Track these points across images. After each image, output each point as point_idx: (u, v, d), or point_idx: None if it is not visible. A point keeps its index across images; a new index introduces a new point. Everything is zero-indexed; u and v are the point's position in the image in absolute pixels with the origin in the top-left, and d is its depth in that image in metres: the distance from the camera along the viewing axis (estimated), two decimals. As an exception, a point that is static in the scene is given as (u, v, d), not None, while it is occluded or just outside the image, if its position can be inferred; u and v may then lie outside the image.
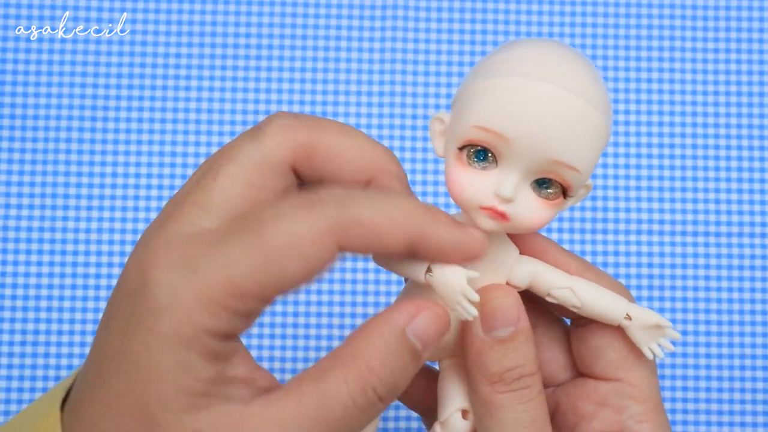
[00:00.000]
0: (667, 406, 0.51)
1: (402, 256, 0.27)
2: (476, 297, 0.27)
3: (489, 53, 0.28)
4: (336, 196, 0.25)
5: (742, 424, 0.51)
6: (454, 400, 0.30)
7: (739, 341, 0.51)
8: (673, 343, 0.31)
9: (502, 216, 0.27)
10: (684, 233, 0.52)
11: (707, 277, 0.52)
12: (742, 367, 0.51)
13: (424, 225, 0.26)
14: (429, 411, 0.34)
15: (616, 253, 0.52)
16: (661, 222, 0.52)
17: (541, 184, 0.27)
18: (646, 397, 0.31)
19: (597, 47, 0.53)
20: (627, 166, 0.52)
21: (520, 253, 0.30)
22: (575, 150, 0.26)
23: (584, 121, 0.26)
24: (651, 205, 0.52)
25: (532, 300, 0.31)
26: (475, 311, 0.27)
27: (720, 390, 0.51)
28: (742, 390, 0.51)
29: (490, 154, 0.27)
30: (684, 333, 0.52)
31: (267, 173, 0.27)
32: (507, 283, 0.30)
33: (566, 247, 0.52)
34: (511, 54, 0.27)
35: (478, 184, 0.27)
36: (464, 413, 0.30)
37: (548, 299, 0.30)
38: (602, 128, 0.27)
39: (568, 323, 0.34)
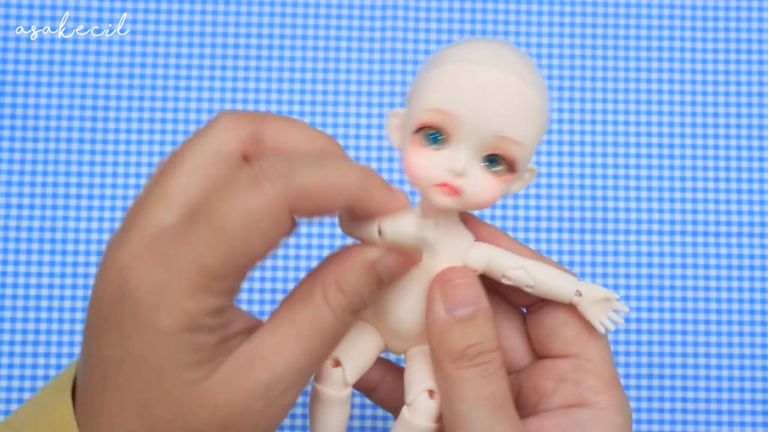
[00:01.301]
0: (667, 406, 0.51)
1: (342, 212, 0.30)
2: (431, 234, 0.30)
3: (436, 50, 0.31)
4: (279, 168, 0.27)
5: (742, 424, 0.51)
6: (420, 382, 0.31)
7: (738, 341, 0.51)
8: (621, 315, 0.32)
9: (455, 191, 0.29)
10: (684, 233, 0.52)
11: (707, 277, 0.52)
12: (742, 367, 0.51)
13: (361, 186, 0.29)
14: (400, 409, 0.35)
15: (616, 253, 0.52)
16: (661, 222, 0.52)
17: (490, 162, 0.29)
18: (601, 371, 0.32)
19: (597, 47, 0.53)
20: (627, 166, 0.53)
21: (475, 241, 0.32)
22: (517, 125, 0.29)
23: (523, 99, 0.29)
24: (651, 205, 0.52)
25: (491, 290, 0.33)
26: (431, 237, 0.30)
27: (720, 390, 0.51)
28: (742, 390, 0.51)
29: (442, 136, 0.29)
30: (684, 333, 0.52)
31: (220, 164, 0.28)
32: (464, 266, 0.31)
33: (566, 247, 0.52)
34: (456, 47, 0.30)
35: (433, 163, 0.29)
36: (430, 393, 0.31)
37: (504, 281, 0.32)
38: (540, 107, 0.29)
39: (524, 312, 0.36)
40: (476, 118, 0.28)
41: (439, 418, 0.31)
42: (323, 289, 0.29)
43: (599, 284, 0.51)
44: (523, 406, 0.34)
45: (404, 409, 0.31)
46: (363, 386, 0.36)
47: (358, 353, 0.32)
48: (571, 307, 0.32)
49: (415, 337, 0.32)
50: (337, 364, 0.31)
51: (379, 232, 0.29)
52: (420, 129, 0.29)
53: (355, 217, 0.30)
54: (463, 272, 0.31)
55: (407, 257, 0.30)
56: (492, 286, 0.33)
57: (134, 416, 0.27)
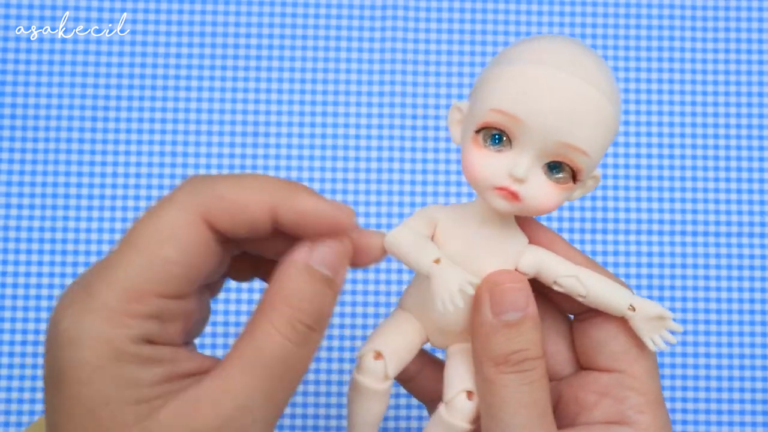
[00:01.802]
0: (667, 405, 0.51)
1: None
2: (475, 281, 0.29)
3: (509, 45, 0.30)
4: (195, 182, 0.27)
5: (742, 424, 0.51)
6: (459, 382, 0.31)
7: (739, 341, 0.51)
8: (674, 335, 0.32)
9: (514, 196, 0.28)
10: (684, 233, 0.52)
11: (707, 277, 0.52)
12: (742, 367, 0.51)
13: (283, 195, 0.27)
14: (435, 401, 0.34)
15: (616, 253, 0.52)
16: (661, 222, 0.52)
17: (552, 168, 0.28)
18: (647, 389, 0.32)
19: (597, 47, 0.53)
20: (627, 166, 0.53)
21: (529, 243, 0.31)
22: (585, 134, 0.27)
23: (594, 108, 0.27)
24: (651, 205, 0.52)
25: (540, 294, 0.32)
26: (451, 307, 0.28)
27: (720, 390, 0.51)
28: (742, 390, 0.51)
29: (504, 138, 0.28)
30: (684, 333, 0.52)
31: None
32: (517, 270, 0.31)
33: (566, 247, 0.52)
34: (528, 45, 0.29)
35: (493, 165, 0.28)
36: (469, 394, 0.31)
37: (555, 287, 0.31)
38: (612, 117, 0.28)
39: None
40: (542, 125, 0.27)
41: (476, 420, 0.31)
42: (265, 312, 0.27)
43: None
44: (562, 416, 0.33)
45: (441, 407, 0.31)
46: (400, 376, 0.35)
47: (401, 346, 0.31)
48: (620, 321, 0.31)
49: (459, 334, 0.31)
50: (379, 356, 0.31)
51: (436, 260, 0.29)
52: (482, 129, 0.28)
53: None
54: (513, 276, 0.30)
55: (341, 245, 0.28)
56: (541, 289, 0.32)
57: None
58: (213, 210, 0.27)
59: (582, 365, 0.33)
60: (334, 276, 0.28)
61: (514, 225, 0.31)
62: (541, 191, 0.28)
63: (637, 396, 0.31)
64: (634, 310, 0.31)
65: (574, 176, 0.29)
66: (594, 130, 0.28)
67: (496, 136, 0.28)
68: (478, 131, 0.28)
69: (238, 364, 0.26)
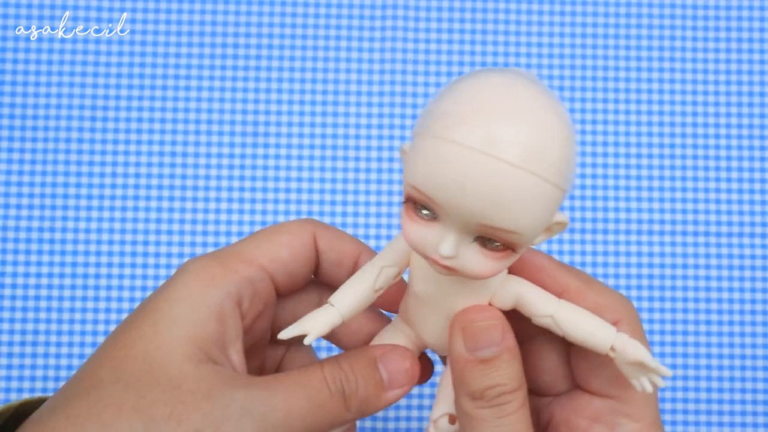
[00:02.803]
0: (668, 405, 0.51)
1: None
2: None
3: (441, 89, 0.27)
4: None
5: (743, 425, 0.51)
6: (444, 404, 0.31)
7: (739, 341, 0.51)
8: (665, 379, 0.30)
9: (450, 270, 0.27)
10: (684, 233, 0.52)
11: (707, 277, 0.52)
12: (743, 367, 0.51)
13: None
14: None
15: (616, 253, 0.52)
16: (662, 222, 0.52)
17: (488, 241, 0.26)
18: (642, 415, 0.31)
19: (597, 47, 0.53)
20: (627, 166, 0.52)
21: (513, 270, 0.30)
22: (508, 217, 0.25)
23: (517, 189, 0.24)
24: (651, 205, 0.52)
25: None
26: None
27: (720, 390, 0.51)
28: (742, 390, 0.51)
29: (431, 210, 0.26)
30: (684, 333, 0.51)
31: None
32: (489, 304, 0.30)
33: (567, 247, 0.52)
34: (452, 104, 0.25)
35: (424, 238, 0.26)
36: (451, 419, 0.31)
37: (534, 322, 0.30)
38: (542, 192, 0.25)
39: None
40: (458, 209, 0.25)
41: None
42: (321, 362, 0.30)
43: (599, 279, 0.51)
44: None
45: (430, 425, 0.31)
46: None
47: None
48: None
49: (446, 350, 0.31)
50: None
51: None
52: (409, 200, 0.26)
53: None
54: (485, 313, 0.29)
55: (409, 370, 0.31)
56: None
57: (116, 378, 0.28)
58: (323, 230, 0.33)
59: (576, 384, 0.33)
60: (387, 384, 0.30)
61: None
62: (476, 262, 0.26)
63: (630, 423, 0.31)
64: (615, 352, 0.29)
65: (511, 248, 0.26)
66: (517, 210, 0.24)
67: (426, 207, 0.26)
68: (406, 200, 0.27)
69: (278, 378, 0.29)
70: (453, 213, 0.25)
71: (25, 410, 0.30)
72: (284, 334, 0.29)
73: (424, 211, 0.26)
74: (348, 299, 0.30)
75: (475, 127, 0.24)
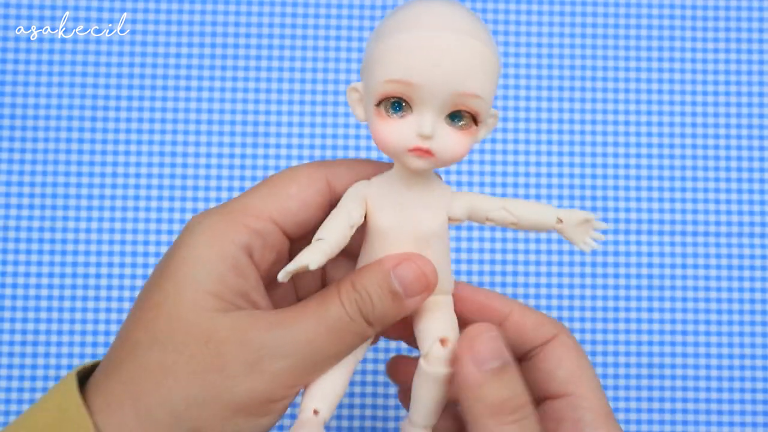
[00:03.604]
0: (667, 405, 0.51)
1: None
2: None
3: (382, 20, 0.32)
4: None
5: (743, 425, 0.51)
6: (431, 333, 0.33)
7: (739, 341, 0.51)
8: (604, 232, 0.34)
9: (428, 152, 0.30)
10: (684, 233, 0.52)
11: (707, 277, 0.52)
12: (742, 367, 0.51)
13: None
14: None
15: (616, 253, 0.52)
16: (661, 222, 0.52)
17: (453, 118, 0.31)
18: (597, 407, 0.34)
19: (597, 47, 0.53)
20: (627, 166, 0.52)
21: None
22: (474, 80, 0.30)
23: (475, 55, 0.30)
24: (651, 205, 0.52)
25: None
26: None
27: (720, 390, 0.51)
28: (742, 390, 0.51)
29: (404, 104, 0.30)
30: (684, 333, 0.51)
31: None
32: (449, 218, 0.33)
33: (566, 247, 0.52)
34: (402, 15, 0.31)
35: (401, 131, 0.30)
36: (442, 341, 0.32)
37: (487, 223, 0.33)
38: (492, 59, 0.31)
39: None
40: (435, 82, 0.29)
41: (455, 362, 0.31)
42: (337, 286, 0.31)
43: (599, 282, 0.51)
44: None
45: (421, 361, 0.32)
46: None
47: (330, 392, 0.32)
48: (562, 351, 0.34)
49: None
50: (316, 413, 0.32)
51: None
52: (382, 101, 0.30)
53: None
54: (486, 327, 0.31)
55: (424, 275, 0.31)
56: None
57: (149, 333, 0.30)
58: (337, 172, 0.33)
59: (538, 399, 0.35)
60: (404, 295, 0.31)
61: (435, 179, 0.33)
62: (449, 141, 0.31)
63: (589, 414, 0.34)
64: (561, 222, 0.33)
65: (475, 120, 0.31)
66: (480, 74, 0.30)
67: (396, 104, 0.30)
68: (378, 104, 0.30)
69: (300, 310, 0.31)
70: (431, 87, 0.29)
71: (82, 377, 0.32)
72: (283, 275, 0.29)
73: (395, 108, 0.30)
74: (333, 233, 0.31)
75: (432, 15, 0.30)
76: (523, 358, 0.36)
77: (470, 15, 0.31)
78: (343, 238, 0.31)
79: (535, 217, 0.33)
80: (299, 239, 0.33)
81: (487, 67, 0.30)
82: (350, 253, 0.33)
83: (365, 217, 0.32)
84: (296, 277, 0.35)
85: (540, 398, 0.35)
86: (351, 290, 0.31)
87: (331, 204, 0.33)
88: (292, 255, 0.34)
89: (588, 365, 0.35)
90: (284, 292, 0.36)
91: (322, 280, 0.37)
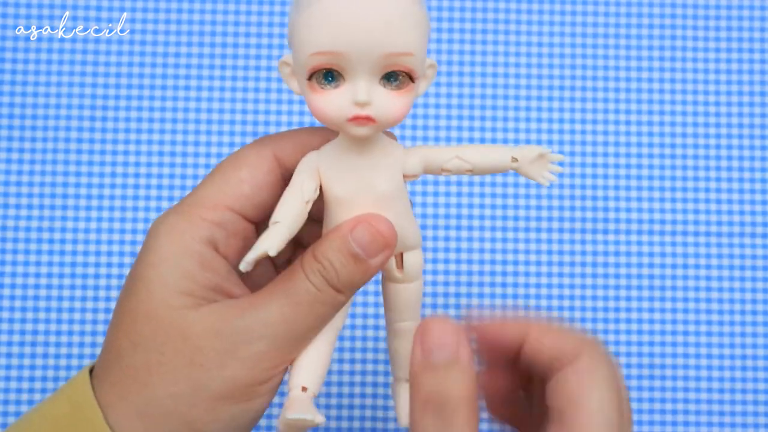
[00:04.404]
0: (668, 406, 0.51)
1: None
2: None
3: None
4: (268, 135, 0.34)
5: (743, 425, 0.51)
6: (399, 369, 0.34)
7: (739, 341, 0.51)
8: (560, 164, 0.34)
9: (368, 119, 0.30)
10: (684, 233, 0.52)
11: (708, 277, 0.52)
12: (743, 368, 0.51)
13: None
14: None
15: (617, 253, 0.52)
16: (662, 222, 0.52)
17: (389, 78, 0.30)
18: (604, 422, 0.30)
19: (597, 47, 0.53)
20: (627, 166, 0.52)
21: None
22: (402, 38, 0.29)
23: (398, 10, 0.29)
24: (651, 205, 0.52)
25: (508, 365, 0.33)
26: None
27: (720, 390, 0.51)
28: (743, 391, 0.51)
29: (335, 73, 0.30)
30: (684, 333, 0.51)
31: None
32: (405, 176, 0.32)
33: (566, 247, 0.52)
34: None
35: (337, 101, 0.30)
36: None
37: (443, 174, 0.33)
38: (415, 10, 0.30)
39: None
40: (363, 47, 0.29)
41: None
42: (301, 259, 0.31)
43: (600, 282, 0.51)
44: None
45: (398, 386, 0.34)
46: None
47: (315, 366, 0.33)
48: (570, 373, 0.31)
49: None
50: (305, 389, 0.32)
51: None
52: (313, 74, 0.30)
53: None
54: (445, 324, 0.31)
55: (380, 233, 0.31)
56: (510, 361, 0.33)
57: (128, 334, 0.31)
58: (283, 146, 0.33)
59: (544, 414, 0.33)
60: (366, 257, 0.31)
61: (385, 138, 0.33)
62: (388, 104, 0.30)
63: None
64: (517, 161, 0.32)
65: (411, 77, 0.30)
66: (408, 30, 0.29)
67: (329, 74, 0.30)
68: (309, 78, 0.30)
69: (269, 291, 0.31)
70: (358, 53, 0.29)
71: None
72: (244, 265, 0.29)
73: (328, 79, 0.30)
74: (288, 214, 0.31)
75: None
76: (546, 379, 0.32)
77: None
78: (300, 216, 0.31)
79: (489, 160, 0.33)
80: (261, 221, 0.33)
81: (413, 21, 0.29)
82: (319, 218, 0.33)
83: (321, 188, 0.32)
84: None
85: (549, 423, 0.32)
86: (313, 261, 0.31)
87: (284, 179, 0.33)
88: (258, 236, 0.34)
89: (600, 393, 0.30)
90: (263, 271, 0.36)
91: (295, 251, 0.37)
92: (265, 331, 0.30)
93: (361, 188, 0.32)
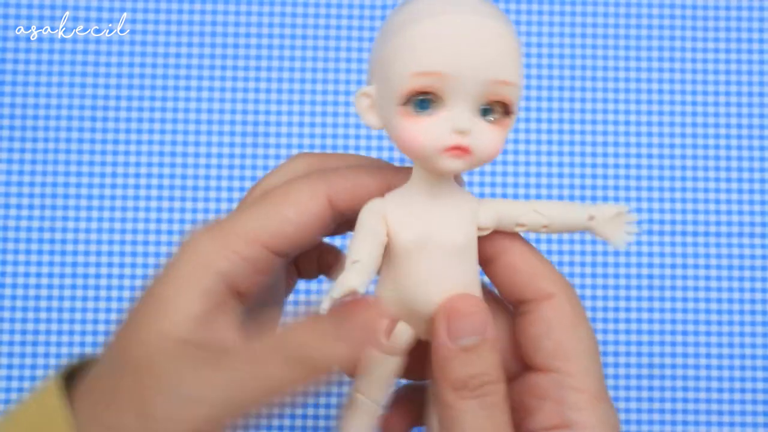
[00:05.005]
0: (668, 406, 0.51)
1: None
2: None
3: (388, 18, 0.29)
4: (323, 171, 0.31)
5: (743, 425, 0.51)
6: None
7: (739, 341, 0.51)
8: (636, 224, 0.32)
9: (465, 150, 0.28)
10: (684, 233, 0.52)
11: (707, 277, 0.52)
12: (743, 368, 0.51)
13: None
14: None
15: (617, 254, 0.52)
16: (662, 222, 0.52)
17: (485, 112, 0.28)
18: (584, 386, 0.31)
19: (597, 47, 0.53)
20: (627, 166, 0.52)
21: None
22: (507, 66, 0.28)
23: (503, 38, 0.28)
24: (651, 205, 0.52)
25: (484, 292, 0.32)
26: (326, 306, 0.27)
27: (720, 390, 0.51)
28: (743, 390, 0.51)
29: (432, 99, 0.28)
30: (684, 333, 0.51)
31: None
32: (478, 227, 0.30)
33: (566, 247, 0.52)
34: (414, 5, 0.28)
35: (433, 129, 0.28)
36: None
37: (517, 229, 0.31)
38: (518, 45, 0.29)
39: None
40: (469, 71, 0.27)
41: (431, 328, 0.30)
42: (294, 323, 0.29)
43: (599, 282, 0.51)
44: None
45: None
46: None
47: (381, 385, 0.32)
48: (552, 316, 0.31)
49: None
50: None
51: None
52: (410, 98, 0.28)
53: None
54: (471, 301, 0.30)
55: (367, 330, 0.28)
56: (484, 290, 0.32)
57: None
58: (339, 188, 0.30)
59: (526, 364, 0.33)
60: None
61: (458, 187, 0.31)
62: (486, 136, 0.28)
63: (575, 393, 0.30)
64: (593, 218, 0.31)
65: (507, 112, 0.29)
66: (511, 58, 0.28)
67: (424, 102, 0.28)
68: (404, 103, 0.28)
69: (263, 341, 0.29)
70: (465, 77, 0.27)
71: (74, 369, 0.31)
72: (328, 303, 0.27)
73: (423, 107, 0.28)
74: (366, 251, 0.29)
75: (448, 3, 0.28)
76: (515, 308, 0.33)
77: (489, 2, 0.29)
78: (377, 258, 0.29)
79: (567, 216, 0.31)
80: (295, 254, 0.32)
81: (516, 52, 0.28)
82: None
83: (389, 239, 0.30)
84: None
85: (524, 367, 0.32)
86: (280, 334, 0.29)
87: (333, 221, 0.31)
88: (287, 271, 0.33)
89: (584, 337, 0.31)
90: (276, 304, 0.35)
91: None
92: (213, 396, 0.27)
93: (431, 238, 0.29)
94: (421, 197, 0.30)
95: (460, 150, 0.28)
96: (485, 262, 0.32)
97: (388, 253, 0.30)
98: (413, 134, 0.28)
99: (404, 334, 0.31)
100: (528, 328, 0.32)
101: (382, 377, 0.32)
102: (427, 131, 0.28)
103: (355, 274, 0.27)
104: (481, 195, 0.52)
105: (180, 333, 0.28)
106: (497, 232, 0.32)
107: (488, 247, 0.32)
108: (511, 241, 0.32)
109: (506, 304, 0.34)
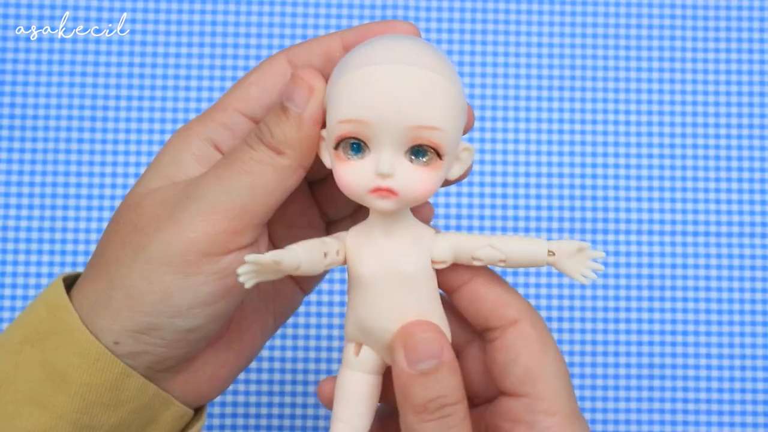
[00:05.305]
0: (667, 406, 0.51)
1: None
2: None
3: (340, 60, 0.31)
4: None
5: (743, 425, 0.51)
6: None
7: (739, 341, 0.51)
8: (599, 261, 0.32)
9: (390, 191, 0.29)
10: (684, 233, 0.52)
11: (707, 277, 0.52)
12: (743, 368, 0.51)
13: None
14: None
15: (617, 254, 0.52)
16: (662, 222, 0.52)
17: (416, 154, 0.29)
18: (555, 409, 0.31)
19: (597, 47, 0.53)
20: (627, 166, 0.52)
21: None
22: (428, 111, 0.28)
23: (427, 85, 0.29)
24: (651, 205, 0.52)
25: (456, 315, 0.33)
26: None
27: (720, 390, 0.51)
28: (743, 390, 0.51)
29: (362, 144, 0.29)
30: (684, 333, 0.51)
31: None
32: (432, 261, 0.31)
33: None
34: (356, 53, 0.30)
35: (359, 172, 0.29)
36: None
37: (475, 263, 0.31)
38: (449, 88, 0.29)
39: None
40: (387, 117, 0.28)
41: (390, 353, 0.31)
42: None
43: (599, 282, 0.51)
44: None
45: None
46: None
47: (358, 409, 0.32)
48: (520, 342, 0.32)
49: None
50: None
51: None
52: (339, 143, 0.29)
53: None
54: (425, 326, 0.30)
55: (305, 81, 0.31)
56: (455, 311, 0.33)
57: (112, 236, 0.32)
58: (297, 52, 0.33)
59: (494, 394, 0.33)
60: (290, 107, 0.31)
61: (414, 221, 0.32)
62: (412, 179, 0.29)
63: (547, 417, 0.31)
64: (554, 254, 0.31)
65: (438, 155, 0.29)
66: (436, 104, 0.29)
67: (354, 145, 0.29)
68: (336, 147, 0.29)
69: (216, 165, 0.31)
70: (384, 125, 0.28)
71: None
72: (242, 269, 0.28)
73: (353, 148, 0.29)
74: (305, 249, 0.30)
75: (385, 50, 0.29)
76: (483, 335, 0.33)
77: (429, 49, 0.30)
78: (315, 259, 0.30)
79: (524, 251, 0.31)
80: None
81: (444, 97, 0.29)
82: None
83: (348, 269, 0.31)
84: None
85: (496, 393, 0.33)
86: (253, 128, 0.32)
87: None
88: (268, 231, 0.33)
89: (551, 359, 0.32)
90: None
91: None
92: (200, 192, 0.30)
93: (385, 269, 0.30)
94: (377, 231, 0.31)
95: (384, 191, 0.29)
96: (451, 291, 0.33)
97: (350, 284, 0.31)
98: (343, 176, 0.29)
99: (369, 358, 0.32)
100: (496, 355, 0.32)
101: (360, 402, 0.32)
102: (354, 173, 0.29)
103: (285, 251, 0.29)
104: (481, 195, 0.52)
105: (163, 182, 0.32)
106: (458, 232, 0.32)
107: (453, 278, 0.32)
108: (475, 270, 0.32)
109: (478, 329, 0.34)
